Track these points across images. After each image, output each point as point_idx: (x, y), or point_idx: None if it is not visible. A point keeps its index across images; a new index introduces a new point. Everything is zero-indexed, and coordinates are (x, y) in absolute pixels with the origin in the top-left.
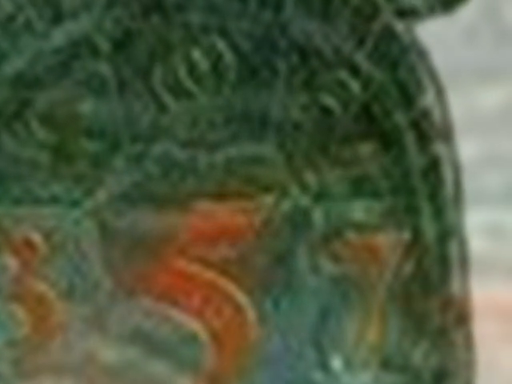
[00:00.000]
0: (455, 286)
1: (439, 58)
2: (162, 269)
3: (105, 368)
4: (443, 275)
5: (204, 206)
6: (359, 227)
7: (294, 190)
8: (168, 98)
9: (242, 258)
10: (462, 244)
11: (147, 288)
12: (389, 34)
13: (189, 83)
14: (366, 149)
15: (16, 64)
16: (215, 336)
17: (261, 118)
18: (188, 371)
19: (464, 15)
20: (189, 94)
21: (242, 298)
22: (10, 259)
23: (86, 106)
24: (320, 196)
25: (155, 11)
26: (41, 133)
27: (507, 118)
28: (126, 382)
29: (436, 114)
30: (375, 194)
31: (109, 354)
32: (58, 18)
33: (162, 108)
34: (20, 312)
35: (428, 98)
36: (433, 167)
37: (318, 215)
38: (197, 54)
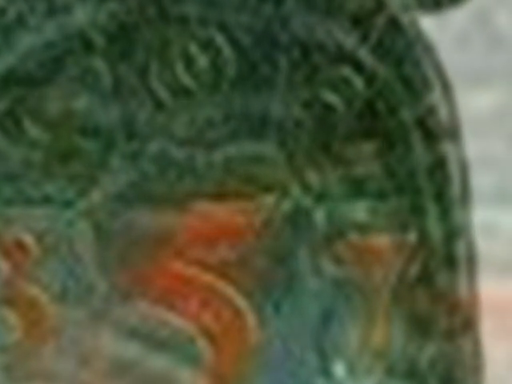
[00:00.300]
0: (462, 288)
1: None
2: (159, 271)
3: (99, 374)
4: (450, 278)
5: (202, 206)
6: (362, 228)
7: (295, 190)
8: (165, 95)
9: (241, 260)
10: (470, 245)
11: (143, 291)
12: (393, 28)
13: (186, 79)
14: (369, 147)
15: (7, 60)
16: (214, 341)
17: (261, 115)
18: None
19: (456, 21)
20: (186, 91)
21: (241, 301)
22: (0, 262)
23: (80, 103)
24: (322, 196)
25: (151, 4)
26: (33, 131)
27: (498, 120)
28: None
29: (442, 111)
30: (379, 194)
31: (103, 359)
32: (51, 12)
33: (159, 105)
34: (11, 316)
35: (434, 95)
36: (439, 166)
37: (319, 216)
38: (194, 49)
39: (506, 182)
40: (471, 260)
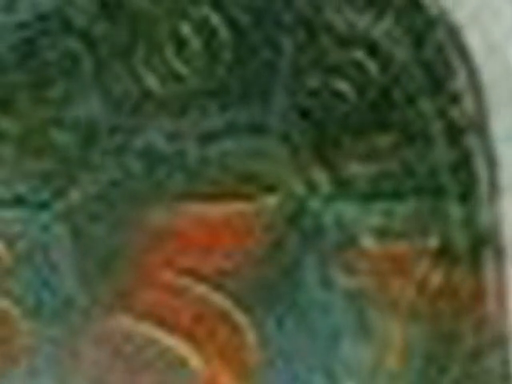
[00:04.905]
0: (491, 302)
1: None
2: (146, 282)
3: None
4: (477, 290)
5: (195, 208)
6: (378, 233)
7: (301, 190)
8: (152, 81)
9: (239, 270)
10: (500, 253)
11: (128, 305)
12: (413, 5)
13: (177, 64)
14: (385, 141)
15: None
16: (208, 361)
17: (262, 104)
18: None
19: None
20: (177, 77)
21: (239, 316)
22: None
23: (56, 91)
24: (332, 197)
25: None
26: (2, 122)
27: None
28: None
29: (468, 100)
30: (397, 195)
31: (83, 381)
32: None
33: (146, 93)
34: None
35: (459, 82)
36: (464, 162)
37: (329, 220)
38: (186, 30)
39: None
40: (501, 270)
